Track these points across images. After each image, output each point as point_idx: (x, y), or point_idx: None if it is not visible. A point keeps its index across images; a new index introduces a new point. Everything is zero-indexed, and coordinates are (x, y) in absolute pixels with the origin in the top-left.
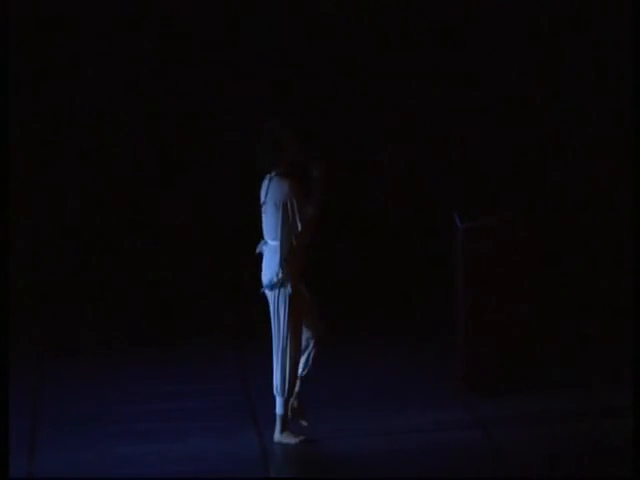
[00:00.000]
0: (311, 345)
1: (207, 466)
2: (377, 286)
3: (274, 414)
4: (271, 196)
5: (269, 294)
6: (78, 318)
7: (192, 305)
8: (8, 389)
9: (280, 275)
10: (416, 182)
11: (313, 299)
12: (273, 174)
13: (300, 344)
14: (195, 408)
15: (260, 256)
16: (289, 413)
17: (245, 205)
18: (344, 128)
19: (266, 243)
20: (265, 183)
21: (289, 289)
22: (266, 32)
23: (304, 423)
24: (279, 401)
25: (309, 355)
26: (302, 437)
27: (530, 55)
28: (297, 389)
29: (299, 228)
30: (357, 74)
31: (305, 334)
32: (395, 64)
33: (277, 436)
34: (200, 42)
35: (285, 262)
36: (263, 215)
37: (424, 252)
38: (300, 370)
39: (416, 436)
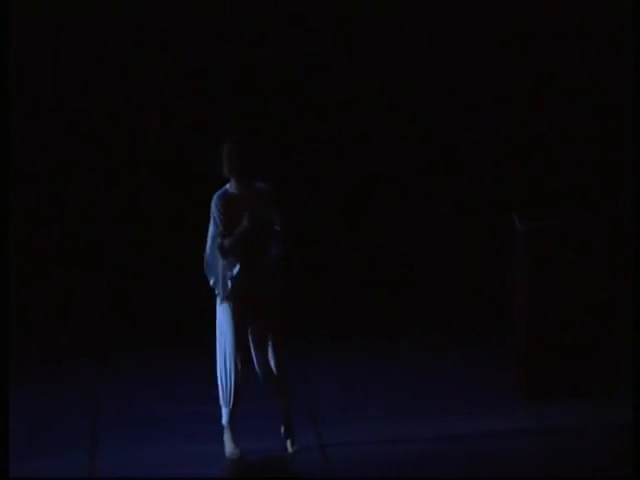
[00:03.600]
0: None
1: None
2: (434, 289)
3: (330, 415)
4: None
5: None
6: (128, 318)
7: None
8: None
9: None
10: (474, 183)
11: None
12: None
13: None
14: (247, 409)
15: None
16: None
17: None
18: (397, 131)
19: None
20: None
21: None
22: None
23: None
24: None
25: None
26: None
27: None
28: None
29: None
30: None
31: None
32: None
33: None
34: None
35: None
36: None
37: (480, 254)
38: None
39: (474, 442)
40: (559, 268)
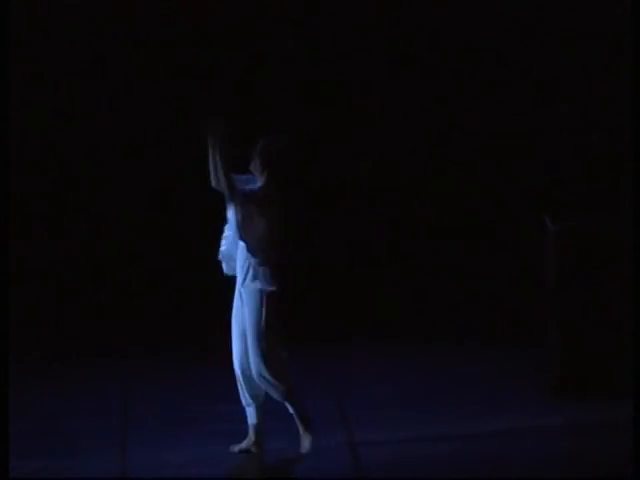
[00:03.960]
0: None
1: (296, 466)
2: (464, 289)
3: (360, 414)
4: None
5: None
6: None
7: None
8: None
9: None
10: (504, 183)
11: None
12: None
13: None
14: (276, 409)
15: None
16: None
17: None
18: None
19: None
20: None
21: None
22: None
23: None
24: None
25: None
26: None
27: None
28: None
29: None
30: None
31: None
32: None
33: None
34: None
35: None
36: None
37: (512, 254)
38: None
39: (510, 441)
40: (590, 268)
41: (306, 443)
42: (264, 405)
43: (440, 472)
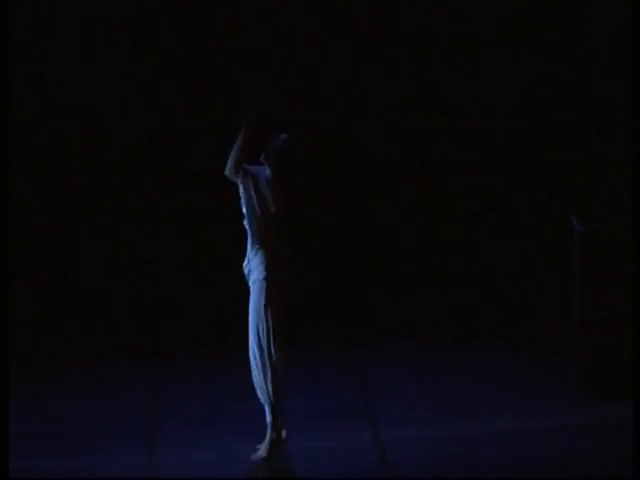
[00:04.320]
0: None
1: (324, 466)
2: (492, 288)
3: (387, 413)
4: None
5: None
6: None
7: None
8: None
9: None
10: (531, 183)
11: None
12: None
13: None
14: (303, 409)
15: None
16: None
17: None
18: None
19: None
20: None
21: None
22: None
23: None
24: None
25: None
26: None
27: None
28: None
29: None
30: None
31: None
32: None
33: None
34: None
35: None
36: None
37: (540, 254)
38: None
39: (538, 439)
40: (617, 268)
41: (263, 451)
42: (283, 403)
43: (465, 472)
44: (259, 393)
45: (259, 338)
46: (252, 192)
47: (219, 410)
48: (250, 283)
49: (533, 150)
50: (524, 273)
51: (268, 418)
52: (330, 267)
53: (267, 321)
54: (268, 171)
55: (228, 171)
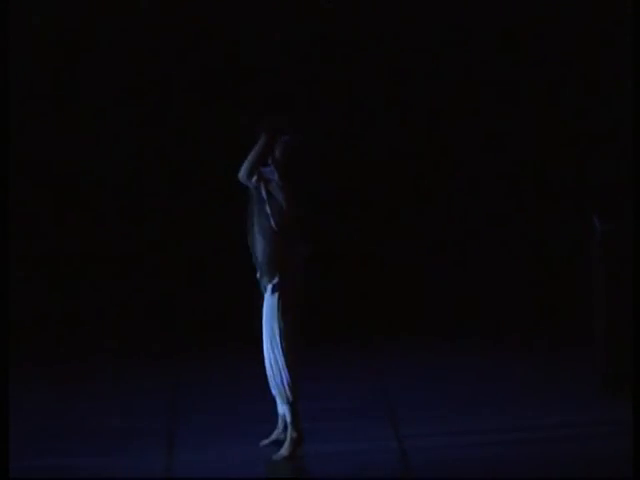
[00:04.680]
0: None
1: (342, 467)
2: (513, 289)
3: (407, 412)
4: None
5: None
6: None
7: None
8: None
9: None
10: (548, 183)
11: None
12: None
13: None
14: (330, 408)
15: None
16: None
17: None
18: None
19: None
20: None
21: None
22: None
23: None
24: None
25: None
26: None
27: None
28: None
29: None
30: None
31: None
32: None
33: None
34: None
35: None
36: None
37: (559, 253)
38: None
39: (559, 439)
40: (633, 266)
41: (285, 451)
42: (299, 403)
43: (487, 473)
44: (276, 394)
45: (272, 339)
46: (265, 196)
47: (237, 410)
48: (263, 285)
49: (554, 148)
50: (545, 272)
51: (288, 418)
52: (349, 266)
53: (281, 322)
54: (277, 174)
55: (243, 175)
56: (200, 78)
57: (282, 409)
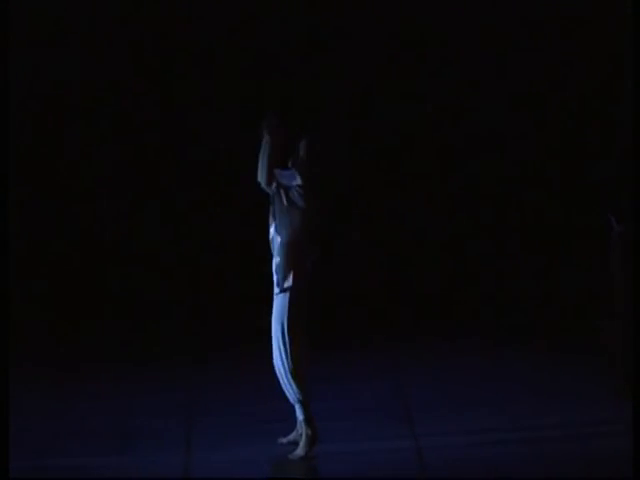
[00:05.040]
0: None
1: (359, 467)
2: (533, 288)
3: (424, 413)
4: None
5: None
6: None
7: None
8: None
9: None
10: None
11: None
12: None
13: None
14: (341, 408)
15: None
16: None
17: None
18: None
19: None
20: None
21: None
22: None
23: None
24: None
25: None
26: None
27: None
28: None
29: None
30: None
31: None
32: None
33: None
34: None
35: None
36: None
37: (579, 254)
38: None
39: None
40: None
41: (301, 450)
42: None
43: (504, 473)
44: (287, 394)
45: (281, 338)
46: (286, 202)
47: (252, 410)
48: (276, 282)
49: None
50: (562, 273)
51: (301, 417)
52: (365, 267)
53: (290, 321)
54: (298, 177)
55: (262, 181)
56: (200, 78)
57: (300, 414)
